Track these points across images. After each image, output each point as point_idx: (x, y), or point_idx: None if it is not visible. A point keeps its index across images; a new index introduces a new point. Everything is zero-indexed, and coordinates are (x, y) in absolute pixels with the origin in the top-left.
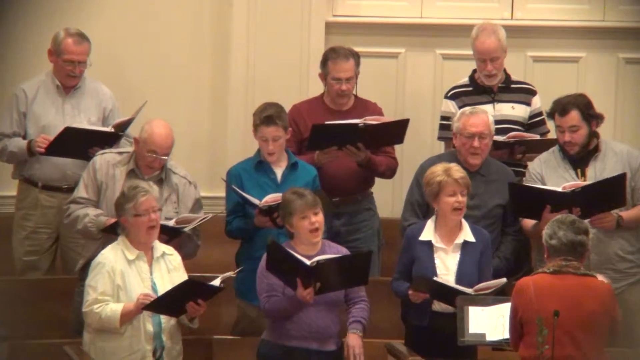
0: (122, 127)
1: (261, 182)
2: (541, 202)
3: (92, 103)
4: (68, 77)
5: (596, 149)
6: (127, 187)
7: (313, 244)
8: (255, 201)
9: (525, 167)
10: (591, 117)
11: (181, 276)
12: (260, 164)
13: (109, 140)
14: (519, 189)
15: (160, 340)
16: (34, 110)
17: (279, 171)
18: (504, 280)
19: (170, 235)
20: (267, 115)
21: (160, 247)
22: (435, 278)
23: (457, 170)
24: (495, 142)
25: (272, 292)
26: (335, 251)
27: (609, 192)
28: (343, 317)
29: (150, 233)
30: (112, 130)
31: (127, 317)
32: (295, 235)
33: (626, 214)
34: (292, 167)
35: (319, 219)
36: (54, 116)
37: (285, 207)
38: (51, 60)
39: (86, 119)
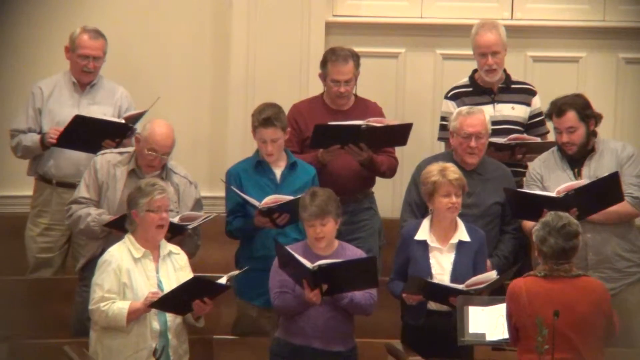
0: (134, 120)
1: (260, 182)
2: (538, 205)
3: (108, 101)
4: (83, 72)
5: (592, 149)
6: (144, 183)
7: (324, 248)
8: (255, 203)
9: (526, 167)
10: (588, 117)
11: (187, 275)
12: (259, 164)
13: (120, 132)
14: (514, 193)
15: (166, 338)
16: (50, 106)
17: (278, 171)
18: (494, 274)
19: (173, 232)
20: (265, 117)
21: (166, 246)
22: (427, 278)
23: (452, 171)
24: (496, 145)
25: (284, 289)
26: (350, 254)
27: (604, 191)
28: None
29: (159, 231)
30: (123, 121)
31: (134, 315)
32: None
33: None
34: (291, 167)
35: (325, 229)
36: (69, 112)
37: (300, 208)
38: (67, 57)
39: (101, 114)
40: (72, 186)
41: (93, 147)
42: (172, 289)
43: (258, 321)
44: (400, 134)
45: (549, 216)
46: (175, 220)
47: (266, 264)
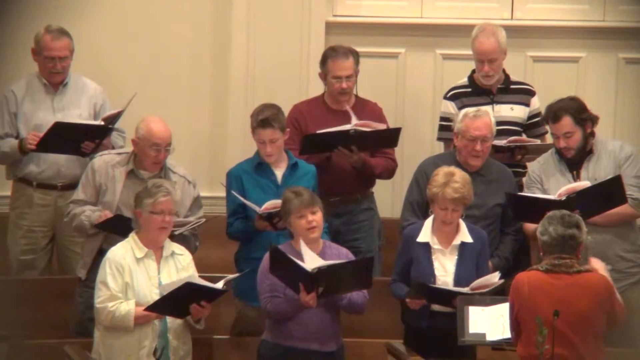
0: (112, 120)
1: (261, 183)
2: (540, 208)
3: (82, 99)
4: (51, 74)
5: (591, 151)
6: (152, 183)
7: (313, 244)
8: (256, 208)
9: (525, 167)
10: (584, 120)
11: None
12: (260, 165)
13: (99, 133)
14: (516, 198)
15: (166, 338)
16: (24, 110)
17: (279, 172)
18: (497, 276)
19: None
20: (263, 118)
21: (170, 246)
22: (430, 284)
23: (453, 189)
24: (496, 147)
25: (274, 293)
26: (336, 252)
27: (607, 194)
28: (343, 318)
29: (161, 233)
30: (102, 123)
31: (142, 319)
32: (295, 234)
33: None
34: (292, 167)
35: (316, 217)
36: (44, 114)
37: (283, 206)
38: (35, 59)
39: (77, 115)
40: (53, 187)
41: (73, 149)
42: (165, 294)
43: (257, 322)
44: (390, 137)
45: (551, 212)
46: None
47: None
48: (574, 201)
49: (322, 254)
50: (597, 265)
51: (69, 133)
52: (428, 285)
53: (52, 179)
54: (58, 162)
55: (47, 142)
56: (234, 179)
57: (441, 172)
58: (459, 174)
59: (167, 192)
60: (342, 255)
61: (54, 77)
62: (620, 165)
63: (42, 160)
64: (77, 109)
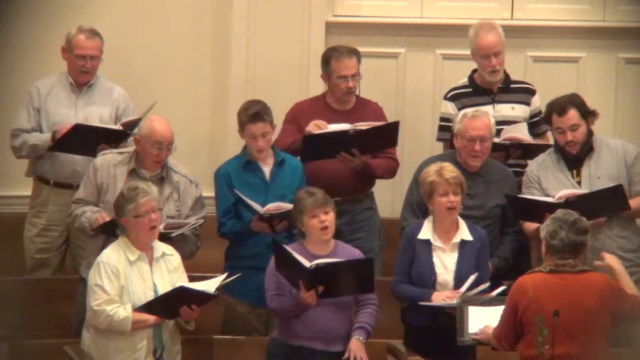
0: (131, 126)
1: (250, 181)
2: (540, 209)
3: (105, 101)
4: (81, 73)
5: (591, 148)
6: (126, 189)
7: (324, 244)
8: (258, 208)
9: (526, 165)
10: (587, 114)
11: (180, 277)
12: (248, 163)
13: (117, 138)
14: (515, 199)
15: (161, 338)
16: (47, 107)
17: (267, 169)
18: (486, 286)
19: (160, 240)
20: (254, 113)
21: (160, 248)
22: (430, 304)
23: (449, 170)
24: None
25: (280, 291)
26: (348, 253)
27: (607, 201)
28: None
29: (152, 233)
30: (121, 128)
31: (140, 325)
32: (307, 234)
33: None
34: (280, 164)
35: (329, 217)
36: (66, 113)
37: (296, 205)
38: (64, 57)
39: (98, 117)
40: (69, 187)
41: (89, 151)
42: (157, 295)
43: (248, 319)
44: (389, 133)
45: (559, 212)
46: (160, 228)
47: (254, 262)
48: (574, 205)
49: (333, 254)
50: (612, 261)
51: (87, 135)
52: (430, 306)
53: (68, 179)
54: (74, 162)
55: (65, 142)
56: (223, 177)
57: (431, 167)
58: (449, 165)
59: (145, 192)
60: (353, 255)
61: (82, 77)
62: (627, 164)
63: (59, 160)
64: (98, 110)
